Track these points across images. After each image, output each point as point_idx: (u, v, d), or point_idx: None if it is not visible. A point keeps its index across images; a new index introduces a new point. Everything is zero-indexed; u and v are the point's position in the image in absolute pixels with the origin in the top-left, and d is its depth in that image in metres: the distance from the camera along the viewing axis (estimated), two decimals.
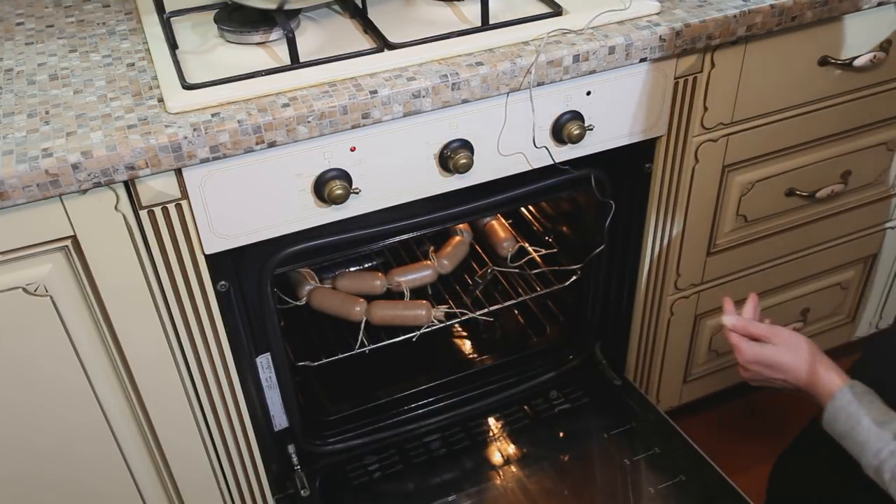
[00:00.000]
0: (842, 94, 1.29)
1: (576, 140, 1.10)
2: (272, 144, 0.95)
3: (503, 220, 1.65)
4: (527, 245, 1.57)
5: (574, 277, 1.43)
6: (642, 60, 1.08)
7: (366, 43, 1.06)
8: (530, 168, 1.14)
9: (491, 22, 1.07)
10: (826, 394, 1.00)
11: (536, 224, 1.61)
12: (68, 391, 1.04)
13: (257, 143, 0.94)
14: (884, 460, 0.91)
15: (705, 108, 1.20)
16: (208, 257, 1.02)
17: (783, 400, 1.76)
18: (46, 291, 0.95)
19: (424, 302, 1.45)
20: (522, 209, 1.64)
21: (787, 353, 1.03)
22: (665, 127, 1.19)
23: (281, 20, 1.02)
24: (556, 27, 1.06)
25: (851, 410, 0.96)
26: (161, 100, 0.95)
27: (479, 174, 1.11)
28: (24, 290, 0.94)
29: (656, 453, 1.32)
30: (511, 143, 1.10)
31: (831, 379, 1.00)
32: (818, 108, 1.29)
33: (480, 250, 1.63)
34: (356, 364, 1.41)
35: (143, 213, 0.95)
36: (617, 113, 1.14)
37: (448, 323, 1.44)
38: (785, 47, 1.19)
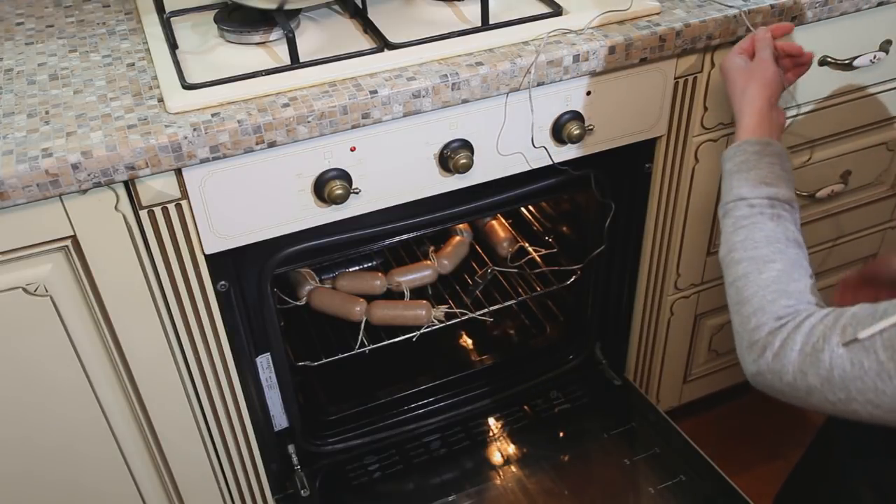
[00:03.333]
0: (842, 94, 1.29)
1: (576, 140, 1.10)
2: (272, 144, 0.95)
3: (503, 220, 1.65)
4: (527, 245, 1.57)
5: (574, 277, 1.43)
6: (642, 60, 1.08)
7: (366, 43, 1.06)
8: (530, 168, 1.14)
9: (491, 22, 1.07)
10: (743, 133, 0.95)
11: (536, 224, 1.61)
12: (68, 391, 1.04)
13: (257, 143, 0.94)
14: (739, 208, 0.88)
15: (705, 108, 1.20)
16: (208, 257, 1.02)
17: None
18: (46, 291, 0.95)
19: (424, 302, 1.45)
20: (522, 209, 1.64)
21: (761, 78, 0.98)
22: (665, 127, 1.19)
23: (281, 20, 1.02)
24: (556, 27, 1.06)
25: (752, 159, 0.92)
26: (161, 100, 0.95)
27: (479, 174, 1.11)
28: (24, 290, 0.94)
29: (656, 453, 1.32)
30: (511, 143, 1.10)
31: (755, 121, 0.96)
32: (818, 108, 1.29)
33: (480, 250, 1.63)
34: (356, 364, 1.41)
35: (143, 213, 0.95)
36: (617, 113, 1.14)
37: (448, 323, 1.44)
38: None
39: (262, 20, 1.06)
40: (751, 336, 0.82)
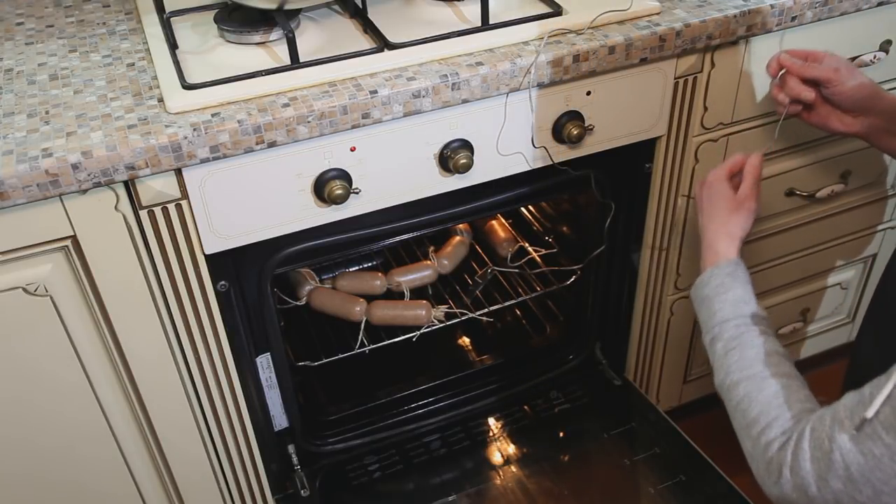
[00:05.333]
0: None
1: (576, 140, 1.10)
2: (272, 144, 0.95)
3: (503, 220, 1.65)
4: (527, 245, 1.57)
5: (574, 277, 1.43)
6: (642, 60, 1.08)
7: (366, 43, 1.06)
8: (530, 168, 1.14)
9: (491, 22, 1.07)
10: (715, 258, 0.96)
11: (536, 224, 1.61)
12: (68, 391, 1.04)
13: (257, 143, 0.94)
14: (726, 330, 0.88)
15: (705, 108, 1.20)
16: (208, 257, 1.02)
17: None
18: (46, 291, 0.95)
19: (424, 302, 1.45)
20: (522, 209, 1.64)
21: (748, 210, 1.00)
22: (665, 127, 1.19)
23: (281, 20, 1.02)
24: (556, 27, 1.06)
25: (726, 280, 0.93)
26: (161, 100, 0.95)
27: (479, 174, 1.11)
28: (24, 290, 0.94)
29: (656, 453, 1.32)
30: (511, 144, 1.10)
31: (727, 246, 0.97)
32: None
33: (480, 250, 1.63)
34: (356, 364, 1.41)
35: (143, 213, 0.95)
36: (617, 113, 1.14)
37: (448, 323, 1.44)
38: (785, 47, 1.19)
39: (262, 20, 1.06)
40: (764, 456, 0.82)
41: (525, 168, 1.13)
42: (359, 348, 1.40)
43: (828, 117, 1.08)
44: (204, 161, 0.93)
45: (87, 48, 1.08)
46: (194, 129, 0.90)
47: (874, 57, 1.25)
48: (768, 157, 1.30)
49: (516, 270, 1.56)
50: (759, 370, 0.86)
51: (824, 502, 0.76)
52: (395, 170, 1.05)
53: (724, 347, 0.89)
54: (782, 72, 1.07)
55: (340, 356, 1.40)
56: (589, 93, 1.10)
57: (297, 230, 1.05)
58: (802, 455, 0.77)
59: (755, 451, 0.83)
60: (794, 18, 1.14)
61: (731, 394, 0.88)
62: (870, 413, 0.72)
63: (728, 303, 0.92)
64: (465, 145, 1.06)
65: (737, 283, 0.93)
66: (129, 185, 0.93)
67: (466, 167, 1.06)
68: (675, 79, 1.14)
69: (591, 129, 1.12)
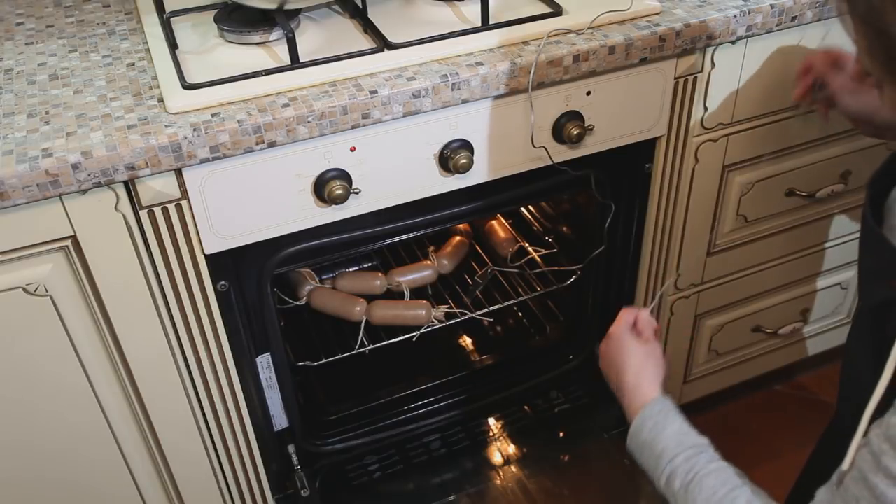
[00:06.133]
0: None
1: (576, 140, 1.10)
2: (272, 144, 0.95)
3: (503, 220, 1.65)
4: (527, 245, 1.57)
5: (574, 277, 1.43)
6: (642, 60, 1.08)
7: (366, 43, 1.06)
8: (530, 168, 1.14)
9: (491, 22, 1.07)
10: (642, 401, 0.94)
11: (536, 224, 1.61)
12: (68, 391, 1.04)
13: (257, 143, 0.94)
14: (678, 466, 0.86)
15: (705, 108, 1.20)
16: (208, 257, 1.02)
17: (782, 399, 1.76)
18: (46, 291, 0.95)
19: (424, 302, 1.45)
20: (522, 209, 1.64)
21: (659, 358, 0.99)
22: (665, 127, 1.19)
23: (281, 20, 1.02)
24: (556, 27, 1.06)
25: (659, 419, 0.91)
26: (161, 100, 0.95)
27: (479, 174, 1.11)
28: (24, 290, 0.94)
29: None
30: (511, 144, 1.10)
31: (651, 389, 0.95)
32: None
33: (480, 250, 1.63)
34: (356, 364, 1.41)
35: (143, 213, 0.95)
36: (617, 113, 1.14)
37: (448, 323, 1.44)
38: (785, 47, 1.19)
39: (262, 20, 1.06)
40: None
41: (525, 168, 1.13)
42: (359, 348, 1.40)
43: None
44: (204, 161, 0.93)
45: (87, 48, 1.08)
46: (194, 129, 0.90)
47: None
48: (769, 157, 1.30)
49: (516, 270, 1.56)
50: (725, 492, 0.84)
51: None
52: (395, 170, 1.05)
53: (682, 483, 0.86)
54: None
55: (340, 356, 1.40)
56: (589, 93, 1.10)
57: (297, 230, 1.05)
58: None
59: None
60: (794, 18, 1.14)
61: None
62: (835, 478, 0.71)
63: (670, 439, 0.90)
64: (465, 145, 1.06)
65: (671, 419, 0.91)
66: (129, 185, 0.93)
67: (466, 167, 1.06)
68: (675, 79, 1.14)
69: (591, 129, 1.12)
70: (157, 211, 0.96)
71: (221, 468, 1.23)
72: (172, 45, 1.04)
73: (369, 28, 1.08)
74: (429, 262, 1.54)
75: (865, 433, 0.69)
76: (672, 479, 0.87)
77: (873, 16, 0.61)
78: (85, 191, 0.90)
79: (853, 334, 1.00)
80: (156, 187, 0.94)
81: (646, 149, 1.22)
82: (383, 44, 1.04)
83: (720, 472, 0.85)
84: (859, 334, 0.94)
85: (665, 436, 0.90)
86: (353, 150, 1.01)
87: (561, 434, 1.40)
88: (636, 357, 0.99)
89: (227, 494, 1.26)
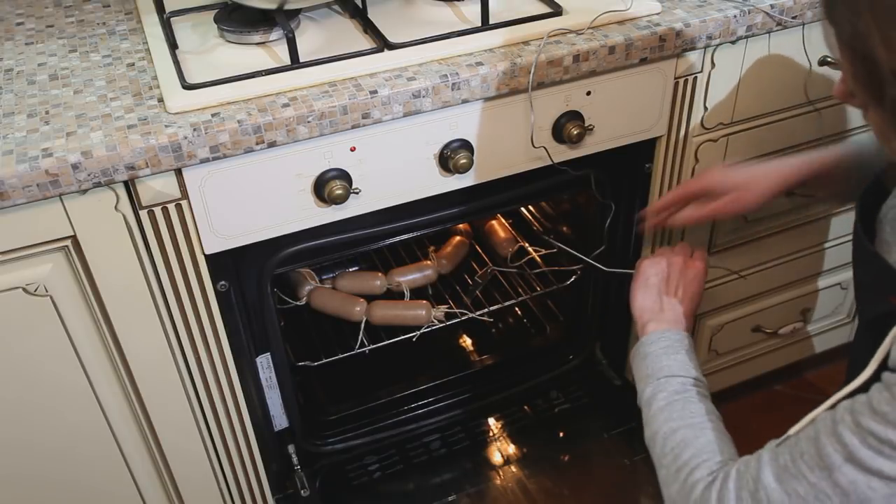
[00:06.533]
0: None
1: (576, 140, 1.10)
2: (272, 144, 0.95)
3: (503, 220, 1.65)
4: (527, 245, 1.57)
5: (574, 277, 1.43)
6: (642, 60, 1.08)
7: (366, 43, 1.06)
8: (530, 168, 1.13)
9: (491, 22, 1.07)
10: (669, 322, 0.98)
11: (536, 224, 1.61)
12: (68, 391, 1.04)
13: (257, 143, 0.94)
14: (671, 384, 0.89)
15: (705, 108, 1.20)
16: (208, 257, 1.02)
17: (782, 399, 1.76)
18: (46, 291, 0.95)
19: (424, 302, 1.45)
20: (522, 209, 1.64)
21: (697, 290, 1.03)
22: (665, 127, 1.19)
23: (281, 20, 1.02)
24: (556, 27, 1.06)
25: (676, 345, 0.94)
26: (161, 100, 0.95)
27: (479, 174, 1.11)
28: (24, 290, 0.94)
29: None
30: (511, 144, 1.10)
31: (681, 325, 0.99)
32: (818, 109, 1.29)
33: (480, 250, 1.63)
34: (356, 364, 1.41)
35: (143, 213, 0.95)
36: (617, 113, 1.14)
37: (448, 323, 1.44)
38: (785, 47, 1.19)
39: (262, 20, 1.06)
40: (689, 497, 0.81)
41: (525, 168, 1.13)
42: (359, 348, 1.40)
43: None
44: (204, 161, 0.93)
45: (87, 48, 1.08)
46: (194, 129, 0.90)
47: None
48: (769, 157, 1.30)
49: (516, 270, 1.56)
50: (701, 421, 0.86)
51: None
52: (395, 170, 1.05)
53: (668, 398, 0.89)
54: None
55: (340, 356, 1.40)
56: (589, 93, 1.10)
57: (297, 230, 1.05)
58: (727, 495, 0.76)
59: (680, 495, 0.82)
60: (794, 18, 1.14)
61: (666, 440, 0.86)
62: (792, 431, 0.73)
63: (677, 362, 0.93)
64: (465, 145, 1.06)
65: (683, 350, 0.94)
66: (129, 185, 0.93)
67: (466, 167, 1.06)
68: (675, 79, 1.14)
69: (591, 129, 1.12)
70: (157, 211, 0.96)
71: (221, 468, 1.23)
72: (172, 45, 1.04)
73: (369, 28, 1.08)
74: (429, 262, 1.54)
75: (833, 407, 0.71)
76: (659, 391, 0.90)
77: (858, 41, 0.62)
78: (85, 191, 0.90)
79: (855, 346, 1.01)
80: (156, 187, 0.94)
81: (646, 149, 1.22)
82: (383, 44, 1.04)
83: (706, 406, 0.88)
84: (861, 346, 0.94)
85: (675, 358, 0.93)
86: (353, 150, 1.01)
87: (561, 434, 1.40)
88: (686, 290, 1.02)
89: (227, 494, 1.26)
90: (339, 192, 1.00)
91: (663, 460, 0.85)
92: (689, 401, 0.88)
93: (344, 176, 1.02)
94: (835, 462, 0.67)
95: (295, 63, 0.99)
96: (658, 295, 1.02)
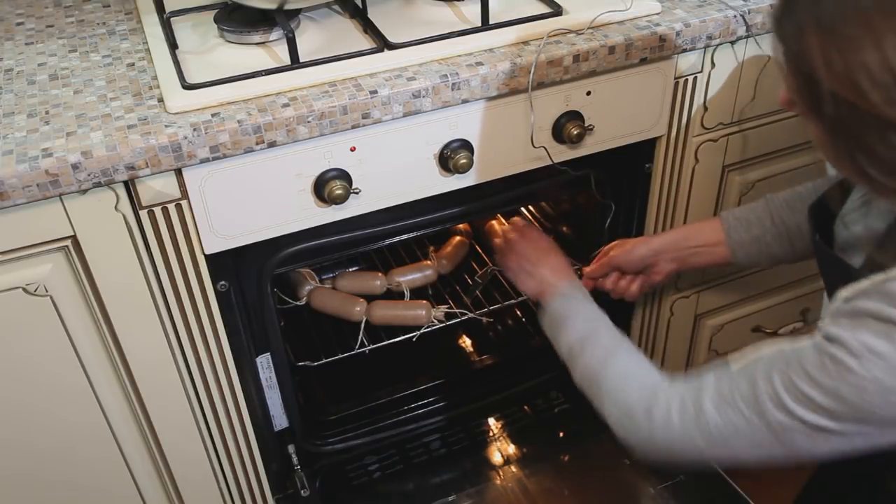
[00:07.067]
0: None
1: (576, 140, 1.10)
2: (272, 144, 0.95)
3: (503, 220, 1.65)
4: None
5: None
6: (642, 60, 1.08)
7: (366, 43, 1.06)
8: (530, 168, 1.14)
9: (491, 22, 1.07)
10: (556, 282, 1.08)
11: (536, 224, 1.61)
12: (68, 391, 1.04)
13: (257, 143, 0.94)
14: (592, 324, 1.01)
15: (705, 108, 1.20)
16: (208, 257, 1.02)
17: None
18: (46, 291, 0.95)
19: (424, 302, 1.45)
20: (522, 209, 1.64)
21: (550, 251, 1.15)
22: (665, 127, 1.19)
23: (281, 20, 1.02)
24: (556, 27, 1.06)
25: (567, 299, 1.05)
26: (161, 100, 0.95)
27: (479, 174, 1.11)
28: (24, 290, 0.94)
29: None
30: (511, 144, 1.10)
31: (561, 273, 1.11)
32: None
33: (480, 250, 1.63)
34: (356, 364, 1.41)
35: (143, 213, 0.95)
36: (617, 113, 1.14)
37: (448, 323, 1.44)
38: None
39: (262, 20, 1.06)
40: (631, 413, 0.89)
41: (525, 168, 1.13)
42: (359, 348, 1.40)
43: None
44: (204, 161, 0.93)
45: (87, 48, 1.08)
46: (194, 129, 0.90)
47: None
48: (769, 157, 1.30)
49: None
50: (629, 346, 0.98)
51: (684, 453, 0.84)
52: (395, 170, 1.05)
53: (586, 340, 1.00)
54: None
55: (340, 356, 1.40)
56: (589, 93, 1.10)
57: (297, 230, 1.05)
58: (672, 418, 0.84)
59: (623, 413, 0.90)
60: None
61: (607, 367, 0.95)
62: (734, 363, 0.81)
63: (578, 311, 1.05)
64: (465, 145, 1.06)
65: (575, 300, 1.06)
66: (129, 185, 0.93)
67: (466, 167, 1.06)
68: (675, 79, 1.14)
69: (591, 129, 1.12)
70: (157, 211, 0.96)
71: (221, 468, 1.23)
72: (172, 45, 1.04)
73: (369, 28, 1.08)
74: (429, 262, 1.54)
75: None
76: (580, 337, 1.01)
77: (802, 59, 0.66)
78: (85, 191, 0.90)
79: None
80: (156, 187, 0.94)
81: (646, 149, 1.22)
82: (383, 44, 1.04)
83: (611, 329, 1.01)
84: None
85: (582, 306, 1.05)
86: (353, 150, 1.01)
87: (561, 434, 1.40)
88: (543, 252, 1.15)
89: (227, 494, 1.26)
90: (339, 192, 1.00)
91: (606, 383, 0.94)
92: (597, 332, 1.00)
93: (344, 176, 1.02)
94: (766, 406, 0.76)
95: (295, 63, 1.00)
96: (533, 275, 1.13)
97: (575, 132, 1.09)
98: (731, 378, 0.80)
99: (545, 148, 1.12)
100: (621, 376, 0.93)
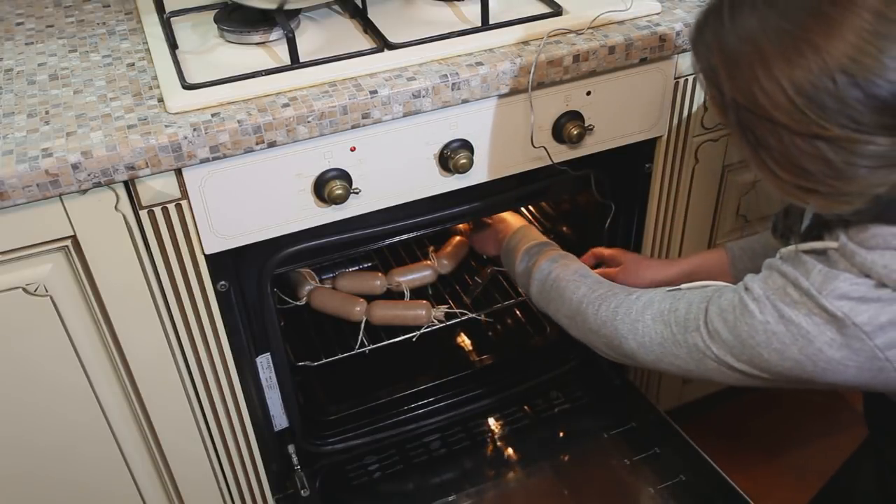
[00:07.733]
0: None
1: (576, 140, 1.10)
2: (272, 144, 0.95)
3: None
4: None
5: None
6: (642, 60, 1.08)
7: (366, 43, 1.06)
8: (530, 168, 1.14)
9: (491, 22, 1.07)
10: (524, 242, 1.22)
11: (536, 224, 1.61)
12: (68, 391, 1.04)
13: (257, 143, 0.94)
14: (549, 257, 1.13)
15: (705, 108, 1.20)
16: (208, 257, 1.02)
17: (782, 399, 1.76)
18: (46, 291, 0.95)
19: (424, 302, 1.45)
20: (522, 209, 1.64)
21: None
22: (665, 127, 1.19)
23: (281, 20, 1.02)
24: (556, 27, 1.06)
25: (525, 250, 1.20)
26: (161, 100, 0.95)
27: (479, 174, 1.11)
28: (24, 290, 0.94)
29: (656, 453, 1.32)
30: (511, 143, 1.10)
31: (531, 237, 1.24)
32: None
33: None
34: (356, 364, 1.41)
35: (143, 213, 0.95)
36: (617, 113, 1.14)
37: (448, 323, 1.44)
38: None
39: (262, 20, 1.06)
40: (583, 311, 1.04)
41: (525, 168, 1.13)
42: (359, 348, 1.40)
43: None
44: (204, 161, 0.93)
45: (87, 48, 1.08)
46: (194, 129, 0.90)
47: None
48: None
49: None
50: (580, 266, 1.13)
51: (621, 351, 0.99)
52: (395, 170, 1.05)
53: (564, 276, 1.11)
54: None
55: (340, 356, 1.40)
56: (589, 93, 1.10)
57: (297, 230, 1.05)
58: (619, 311, 0.98)
59: (606, 327, 1.00)
60: None
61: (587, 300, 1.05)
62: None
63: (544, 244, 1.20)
64: (465, 145, 1.06)
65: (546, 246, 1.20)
66: (129, 185, 0.93)
67: (466, 167, 1.06)
68: (675, 79, 1.14)
69: (591, 129, 1.12)
70: (157, 211, 0.96)
71: (221, 468, 1.23)
72: (172, 45, 1.04)
73: (369, 28, 1.08)
74: (429, 262, 1.54)
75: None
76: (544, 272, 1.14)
77: (711, 73, 0.76)
78: (85, 191, 0.90)
79: None
80: (156, 187, 0.94)
81: (646, 149, 1.22)
82: (383, 44, 1.04)
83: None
84: None
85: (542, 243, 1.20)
86: (353, 150, 1.01)
87: (561, 434, 1.40)
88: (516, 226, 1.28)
89: (227, 494, 1.26)
90: (339, 192, 1.00)
91: (595, 317, 1.03)
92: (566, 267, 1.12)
93: (344, 176, 1.02)
94: (689, 328, 0.90)
95: (295, 63, 1.00)
96: (492, 242, 1.33)
97: (575, 132, 1.09)
98: (675, 297, 0.93)
99: (545, 148, 1.12)
100: (602, 303, 1.03)
